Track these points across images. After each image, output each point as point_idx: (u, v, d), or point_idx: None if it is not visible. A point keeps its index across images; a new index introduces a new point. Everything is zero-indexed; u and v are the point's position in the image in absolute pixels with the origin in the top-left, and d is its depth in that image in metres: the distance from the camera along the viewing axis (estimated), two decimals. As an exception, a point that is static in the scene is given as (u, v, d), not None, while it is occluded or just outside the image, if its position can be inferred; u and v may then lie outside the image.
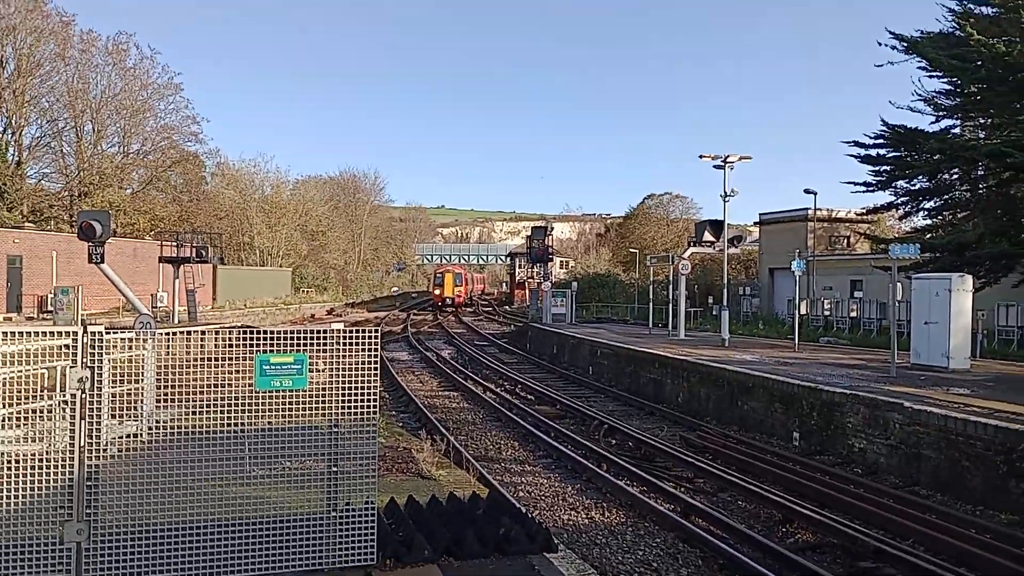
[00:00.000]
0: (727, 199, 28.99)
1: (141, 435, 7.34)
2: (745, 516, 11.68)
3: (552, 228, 67.75)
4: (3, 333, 6.35)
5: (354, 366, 6.83)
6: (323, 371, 6.96)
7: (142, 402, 7.61)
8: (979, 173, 28.67)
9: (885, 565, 9.35)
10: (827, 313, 36.56)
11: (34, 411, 6.77)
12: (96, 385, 6.16)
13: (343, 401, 6.75)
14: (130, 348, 8.68)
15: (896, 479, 13.41)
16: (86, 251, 15.94)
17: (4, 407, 6.71)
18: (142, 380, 7.69)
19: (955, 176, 29.50)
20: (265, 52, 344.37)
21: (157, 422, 7.12)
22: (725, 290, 30.57)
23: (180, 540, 6.19)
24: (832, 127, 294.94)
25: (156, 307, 35.61)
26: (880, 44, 28.86)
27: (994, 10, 26.88)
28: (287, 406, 6.80)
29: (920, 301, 20.02)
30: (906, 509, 11.32)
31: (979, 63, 25.86)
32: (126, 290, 15.82)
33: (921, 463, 13.21)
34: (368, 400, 6.82)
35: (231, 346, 7.11)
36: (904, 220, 37.85)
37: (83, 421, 6.09)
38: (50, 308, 36.63)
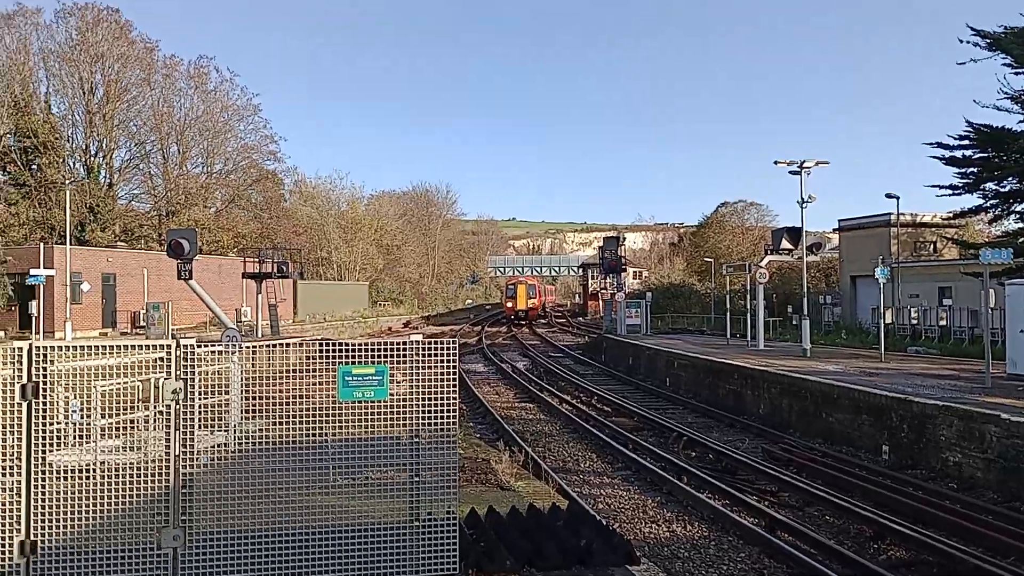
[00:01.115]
0: (804, 205, 28.25)
1: (230, 445, 7.56)
2: (834, 532, 11.30)
3: (624, 238, 66.66)
4: (105, 347, 6.62)
5: (433, 377, 6.89)
6: (403, 382, 7.05)
7: (230, 413, 7.84)
8: (1074, 173, 27.29)
9: (986, 584, 8.91)
10: (914, 321, 35.22)
11: (131, 422, 7.05)
12: (189, 396, 6.37)
13: (423, 412, 6.81)
14: (219, 361, 9.00)
15: (995, 495, 12.78)
16: (175, 268, 16.58)
17: (105, 418, 7.00)
18: (229, 391, 7.93)
19: (1048, 176, 28.15)
20: (337, 70, 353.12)
21: (244, 432, 7.33)
22: (805, 299, 29.76)
23: (268, 546, 6.33)
24: (915, 129, 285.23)
25: (240, 321, 36.77)
26: (962, 41, 27.82)
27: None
28: (369, 417, 6.90)
29: (1016, 308, 19.09)
30: (1006, 526, 10.78)
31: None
32: (213, 305, 16.37)
33: (1022, 478, 12.56)
34: (448, 410, 6.86)
35: (313, 358, 7.25)
36: (994, 224, 36.33)
37: (177, 431, 6.30)
38: (142, 323, 38.25)
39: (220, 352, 8.75)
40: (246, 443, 7.23)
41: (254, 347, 8.59)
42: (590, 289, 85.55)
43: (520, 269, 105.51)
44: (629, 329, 41.10)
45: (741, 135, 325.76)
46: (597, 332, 49.60)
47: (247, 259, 38.83)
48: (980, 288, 19.05)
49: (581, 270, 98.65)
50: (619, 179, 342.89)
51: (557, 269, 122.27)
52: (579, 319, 78.26)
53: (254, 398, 7.85)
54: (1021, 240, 28.64)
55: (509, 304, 71.97)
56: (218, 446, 7.21)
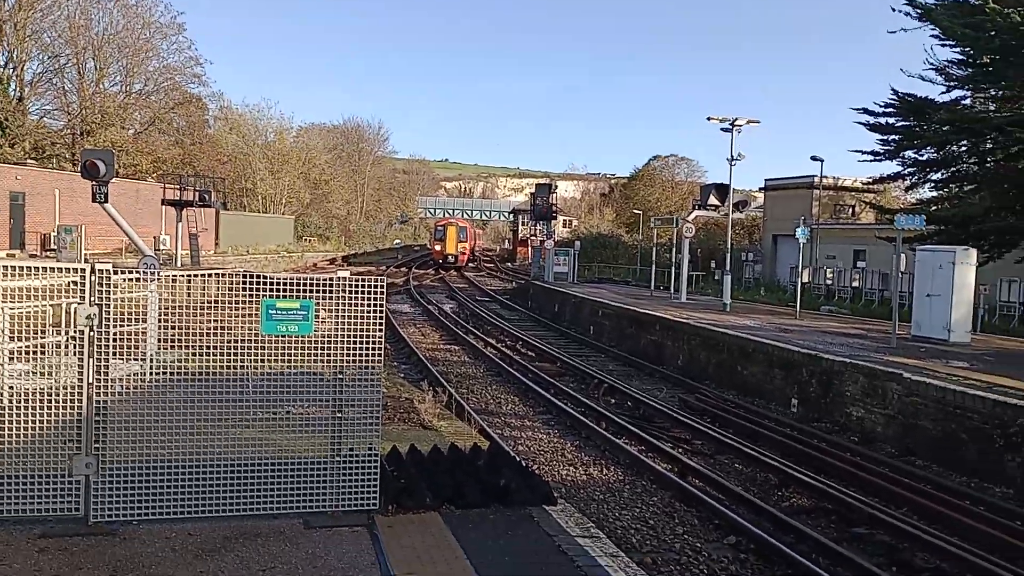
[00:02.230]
0: (733, 163, 28.71)
1: (146, 374, 7.37)
2: (742, 479, 11.79)
3: (556, 186, 66.43)
4: (11, 268, 6.31)
5: (359, 315, 6.83)
6: (328, 319, 6.96)
7: (146, 342, 7.62)
8: (988, 146, 28.31)
9: (878, 531, 9.46)
10: (829, 282, 36.52)
11: (41, 347, 6.78)
12: (103, 323, 6.15)
13: (348, 349, 6.77)
14: (136, 288, 8.70)
15: (892, 448, 13.51)
16: (89, 190, 15.87)
17: (14, 341, 6.71)
18: (147, 320, 7.70)
19: (963, 148, 29.13)
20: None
21: (161, 362, 7.14)
22: (728, 255, 30.49)
23: (184, 477, 6.25)
24: (842, 94, 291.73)
25: (159, 250, 35.57)
26: (894, 10, 28.33)
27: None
28: (292, 352, 6.82)
29: (923, 273, 19.96)
30: (901, 478, 11.44)
31: (993, 33, 25.42)
32: (130, 231, 15.79)
33: (918, 434, 13.30)
34: (373, 348, 6.84)
35: (236, 291, 7.08)
36: (910, 191, 37.52)
37: (91, 359, 6.10)
38: (53, 246, 36.61)
39: (137, 279, 8.48)
40: (164, 373, 7.07)
41: (173, 276, 8.32)
42: (520, 235, 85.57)
43: (451, 211, 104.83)
44: (556, 277, 41.46)
45: (676, 90, 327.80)
46: (525, 278, 49.88)
47: (167, 186, 37.45)
48: (893, 252, 19.81)
49: (512, 216, 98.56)
50: (554, 127, 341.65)
51: (488, 213, 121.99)
52: (507, 264, 78.46)
53: (174, 328, 7.64)
54: (934, 208, 29.79)
55: (437, 247, 66.42)
56: (134, 375, 7.02)
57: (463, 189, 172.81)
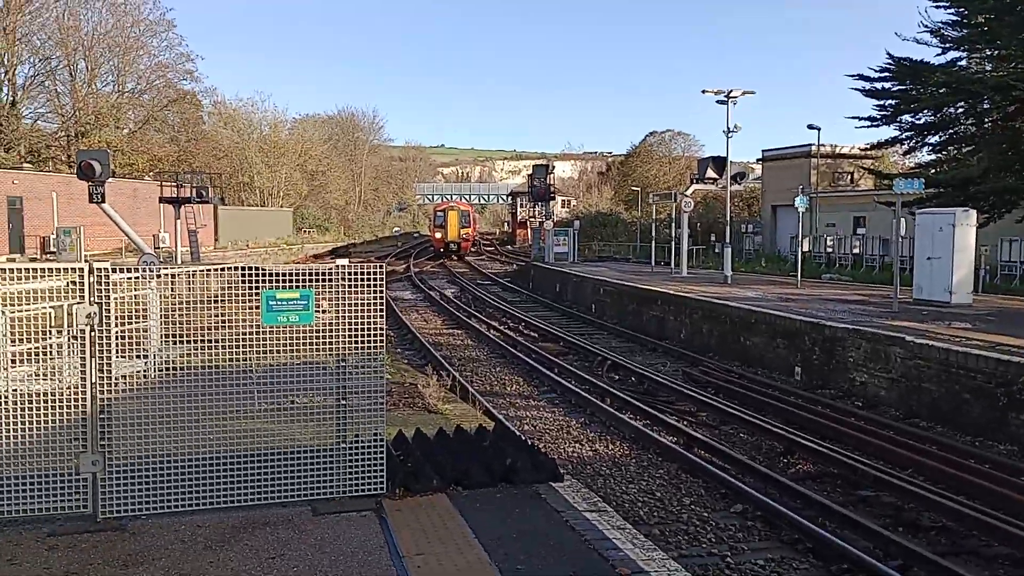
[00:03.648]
0: (730, 135, 28.64)
1: (150, 371, 7.43)
2: (747, 448, 11.85)
3: (553, 167, 65.76)
4: (10, 271, 6.36)
5: (360, 302, 6.87)
6: (329, 310, 7.00)
7: (148, 339, 7.68)
8: (985, 107, 28.21)
9: (884, 493, 9.53)
10: (830, 250, 36.52)
11: (44, 348, 6.83)
12: (104, 321, 6.20)
13: (350, 337, 6.81)
14: (136, 286, 8.74)
15: (897, 412, 13.57)
16: (86, 192, 15.85)
17: (16, 344, 6.77)
18: (148, 318, 7.75)
19: (960, 110, 29.04)
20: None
21: (164, 359, 7.20)
22: (728, 227, 30.48)
23: (191, 469, 6.32)
24: (838, 61, 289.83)
25: (158, 248, 35.57)
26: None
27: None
28: (294, 342, 6.86)
29: (923, 236, 19.94)
30: (906, 440, 11.50)
31: (987, -8, 25.30)
32: (129, 230, 15.80)
33: (921, 396, 13.35)
34: (374, 335, 6.88)
35: (236, 285, 7.12)
36: (908, 156, 37.42)
37: (93, 358, 6.15)
38: (53, 249, 36.66)
39: (137, 278, 8.51)
40: (167, 369, 7.13)
41: (174, 273, 8.37)
42: (519, 217, 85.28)
43: (449, 196, 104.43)
44: (557, 257, 41.43)
45: (670, 64, 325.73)
46: (525, 260, 49.85)
47: (164, 183, 37.37)
48: (892, 218, 19.79)
49: (510, 198, 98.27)
50: (550, 107, 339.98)
51: (487, 197, 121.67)
52: (507, 247, 78.33)
53: (176, 324, 7.70)
54: (933, 171, 29.70)
55: (438, 235, 59.96)
56: (137, 372, 7.08)
57: (460, 174, 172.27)
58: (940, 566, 7.31)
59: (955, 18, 28.36)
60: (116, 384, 6.26)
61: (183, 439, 6.40)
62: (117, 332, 6.36)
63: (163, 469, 6.25)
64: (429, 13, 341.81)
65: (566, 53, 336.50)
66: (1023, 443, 11.30)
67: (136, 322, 7.75)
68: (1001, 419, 11.76)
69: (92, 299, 6.16)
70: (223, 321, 6.86)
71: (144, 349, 7.46)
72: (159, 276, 7.82)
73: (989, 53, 28.65)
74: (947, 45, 28.99)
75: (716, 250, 38.76)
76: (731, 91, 28.22)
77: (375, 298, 6.90)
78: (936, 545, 8.12)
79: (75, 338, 6.22)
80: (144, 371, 7.35)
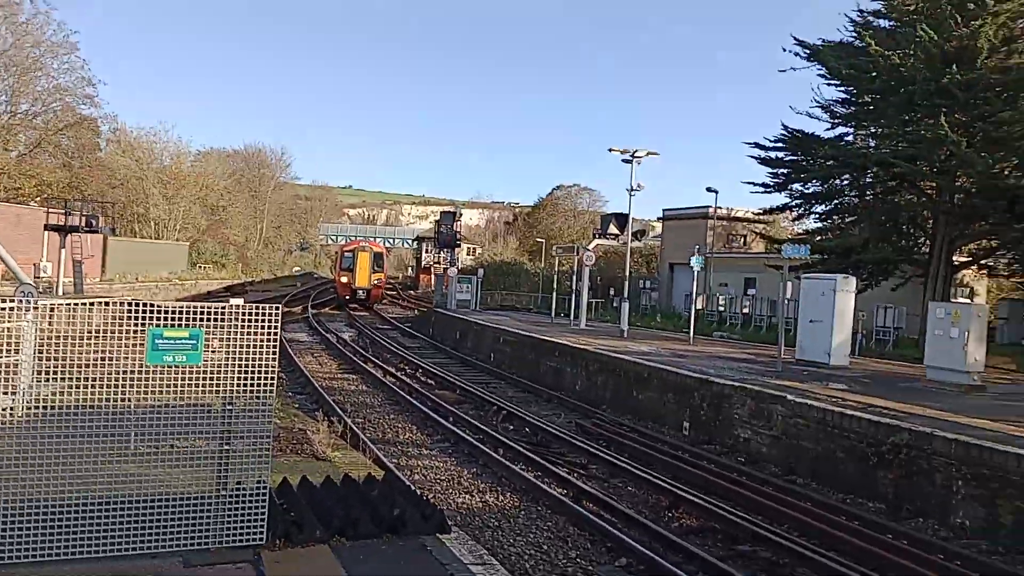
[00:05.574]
0: (633, 193, 29.67)
1: (18, 409, 7.03)
2: (634, 501, 12.05)
3: (461, 214, 66.49)
4: None
5: (252, 343, 6.72)
6: (218, 350, 6.82)
7: (19, 375, 7.28)
8: (867, 180, 30.24)
9: (761, 548, 9.85)
10: (722, 308, 37.91)
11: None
12: (-30, 355, 5.86)
13: (239, 378, 6.64)
14: (10, 318, 8.29)
15: (777, 468, 14.10)
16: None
17: None
18: (20, 352, 7.36)
19: (846, 182, 31.02)
20: (169, 15, 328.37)
21: (35, 396, 6.84)
22: (627, 283, 31.31)
23: (61, 516, 5.98)
24: (739, 129, 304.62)
25: (39, 277, 33.78)
26: (785, 50, 30.01)
27: (891, 23, 28.39)
28: (179, 382, 6.64)
29: (807, 300, 21.04)
30: (784, 496, 11.95)
31: (874, 74, 27.27)
32: (7, 257, 15.01)
33: (800, 453, 13.93)
34: (265, 378, 6.73)
35: (119, 320, 6.87)
36: (797, 222, 39.54)
37: (-45, 393, 5.79)
38: (-80, 273, 34.26)
39: (12, 308, 8.08)
40: (38, 408, 6.76)
41: (53, 305, 7.99)
42: (423, 263, 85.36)
43: (355, 237, 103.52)
44: (459, 304, 41.51)
45: (579, 120, 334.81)
46: (427, 306, 49.69)
47: (51, 210, 35.68)
48: (780, 280, 20.79)
49: (416, 243, 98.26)
50: (461, 154, 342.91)
51: (392, 241, 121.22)
52: (410, 292, 78.07)
53: (51, 360, 7.32)
54: (819, 239, 31.47)
55: (343, 279, 50.52)
56: (3, 410, 6.69)
57: (367, 216, 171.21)
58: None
59: (845, 96, 30.43)
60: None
61: (51, 483, 6.06)
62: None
63: (30, 515, 5.90)
64: (346, 63, 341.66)
65: (479, 104, 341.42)
66: (889, 501, 11.94)
67: (7, 356, 7.35)
68: (871, 477, 12.38)
69: (-42, 331, 5.82)
70: (104, 358, 6.59)
71: (13, 385, 7.06)
72: (36, 307, 7.46)
73: (874, 130, 30.81)
74: (836, 120, 31.07)
75: (615, 304, 39.64)
76: (636, 151, 29.29)
77: (269, 340, 6.76)
78: (807, 599, 8.42)
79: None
80: (12, 409, 6.95)
